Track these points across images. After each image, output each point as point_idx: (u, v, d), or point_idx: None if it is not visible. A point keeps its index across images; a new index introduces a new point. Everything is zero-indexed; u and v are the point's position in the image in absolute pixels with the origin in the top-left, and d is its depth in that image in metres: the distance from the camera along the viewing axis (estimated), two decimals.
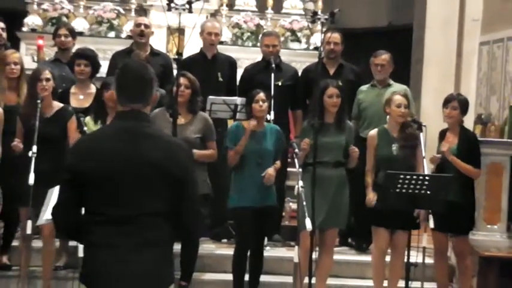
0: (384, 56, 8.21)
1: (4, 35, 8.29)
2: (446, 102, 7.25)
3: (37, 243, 7.15)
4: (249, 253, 7.15)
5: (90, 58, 7.75)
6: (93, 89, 7.62)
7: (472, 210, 7.30)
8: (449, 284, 7.43)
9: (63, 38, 8.47)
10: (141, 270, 3.60)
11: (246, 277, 7.20)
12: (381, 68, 8.16)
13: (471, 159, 7.11)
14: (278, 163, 7.11)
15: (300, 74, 8.65)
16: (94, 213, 3.64)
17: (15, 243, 7.44)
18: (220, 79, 8.28)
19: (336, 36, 8.38)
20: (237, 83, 8.50)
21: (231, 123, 8.03)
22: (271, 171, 6.96)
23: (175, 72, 8.08)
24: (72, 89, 7.69)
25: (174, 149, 3.75)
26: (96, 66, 7.81)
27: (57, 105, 7.04)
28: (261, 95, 7.13)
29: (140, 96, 3.75)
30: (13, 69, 7.33)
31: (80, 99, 7.61)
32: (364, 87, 8.27)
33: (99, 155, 3.64)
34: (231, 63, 8.60)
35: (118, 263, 3.58)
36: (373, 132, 7.25)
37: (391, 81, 8.23)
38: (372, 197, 7.00)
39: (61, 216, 3.75)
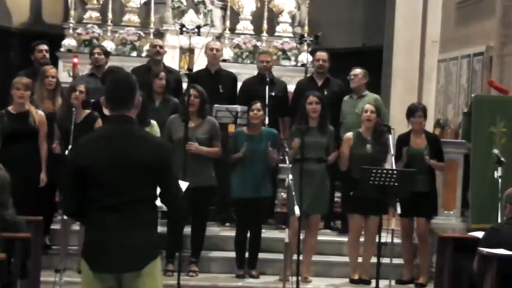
0: (356, 70, 8.10)
1: (47, 55, 8.32)
2: (413, 111, 7.27)
3: (73, 227, 7.14)
4: (249, 235, 7.15)
5: None
6: None
7: (435, 198, 7.31)
8: (413, 259, 7.39)
9: (96, 56, 8.46)
10: (131, 246, 3.60)
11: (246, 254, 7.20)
12: (354, 77, 8.01)
13: (439, 156, 7.24)
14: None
15: (290, 87, 8.58)
16: (94, 201, 3.64)
17: (53, 226, 7.38)
18: (221, 90, 8.17)
19: (324, 55, 8.30)
20: (237, 94, 8.44)
21: (231, 127, 8.00)
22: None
23: (184, 85, 8.07)
24: (102, 100, 7.63)
25: (156, 147, 3.75)
26: None
27: (86, 112, 7.03)
28: (257, 105, 7.12)
29: (127, 103, 3.72)
30: (51, 82, 7.33)
31: None
32: (346, 98, 8.11)
33: (94, 154, 3.64)
34: (232, 78, 8.48)
35: (114, 241, 3.60)
36: (349, 134, 7.23)
37: (366, 92, 8.14)
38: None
39: (68, 202, 3.78)
